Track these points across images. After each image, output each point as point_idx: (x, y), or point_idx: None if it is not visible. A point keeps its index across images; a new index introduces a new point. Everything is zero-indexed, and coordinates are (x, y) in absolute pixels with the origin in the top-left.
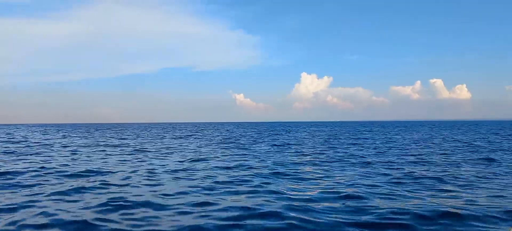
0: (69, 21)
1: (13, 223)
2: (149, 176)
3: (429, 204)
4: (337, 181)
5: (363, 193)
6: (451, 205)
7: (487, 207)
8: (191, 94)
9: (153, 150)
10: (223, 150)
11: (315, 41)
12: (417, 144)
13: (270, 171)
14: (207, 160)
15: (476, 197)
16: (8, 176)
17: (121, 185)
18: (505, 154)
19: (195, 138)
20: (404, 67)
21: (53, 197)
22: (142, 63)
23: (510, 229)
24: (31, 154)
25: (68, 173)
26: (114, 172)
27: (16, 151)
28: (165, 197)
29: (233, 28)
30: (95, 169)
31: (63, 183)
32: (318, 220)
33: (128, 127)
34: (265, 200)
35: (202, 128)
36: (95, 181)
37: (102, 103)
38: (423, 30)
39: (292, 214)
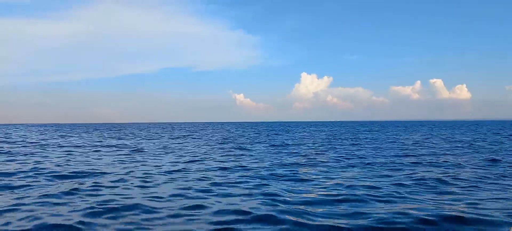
0: (69, 21)
1: None
2: (143, 178)
3: (431, 207)
4: (336, 183)
5: (362, 195)
6: (454, 208)
7: (491, 210)
8: (191, 94)
9: (150, 151)
10: (221, 150)
11: (315, 41)
12: (418, 144)
13: (267, 172)
14: (204, 161)
15: (480, 199)
16: None
17: (113, 187)
18: (507, 154)
19: (193, 138)
20: (404, 67)
21: (41, 200)
22: (142, 63)
23: (511, 229)
24: (25, 154)
25: (60, 174)
26: (107, 173)
27: (10, 151)
28: (157, 199)
29: (233, 28)
30: (88, 170)
31: (53, 185)
32: (315, 224)
33: (128, 126)
34: (260, 203)
35: (202, 128)
36: (87, 183)
37: (102, 103)
38: (423, 30)
39: (288, 218)
